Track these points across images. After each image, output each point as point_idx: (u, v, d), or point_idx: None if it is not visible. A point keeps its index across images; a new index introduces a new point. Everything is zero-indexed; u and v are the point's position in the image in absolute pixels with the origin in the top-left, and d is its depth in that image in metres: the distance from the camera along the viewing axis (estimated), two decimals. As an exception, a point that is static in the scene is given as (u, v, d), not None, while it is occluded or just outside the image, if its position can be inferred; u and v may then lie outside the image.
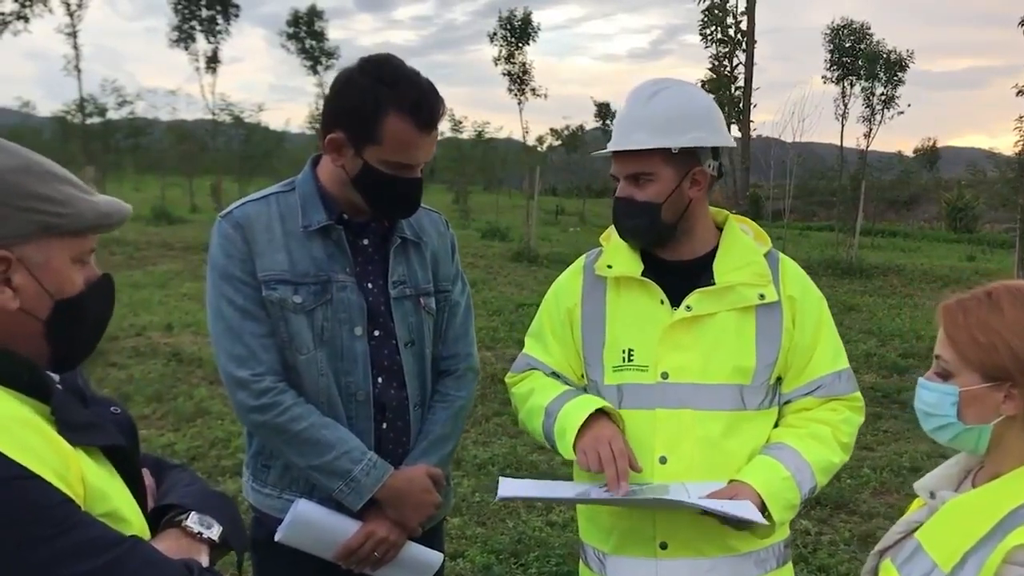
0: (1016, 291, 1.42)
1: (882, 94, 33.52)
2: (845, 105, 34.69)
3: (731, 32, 12.23)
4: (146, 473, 1.38)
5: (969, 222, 38.57)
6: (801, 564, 4.32)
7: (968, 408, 1.42)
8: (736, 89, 11.90)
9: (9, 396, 1.11)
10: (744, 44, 11.77)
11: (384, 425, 2.06)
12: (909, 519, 1.55)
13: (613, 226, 2.12)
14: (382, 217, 2.07)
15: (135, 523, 1.18)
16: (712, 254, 2.07)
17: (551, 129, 64.69)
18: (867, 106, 33.78)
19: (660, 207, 1.99)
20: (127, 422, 1.33)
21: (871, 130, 33.41)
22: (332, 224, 2.00)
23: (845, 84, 34.45)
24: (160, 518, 1.30)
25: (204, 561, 1.24)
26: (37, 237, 1.14)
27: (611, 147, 2.01)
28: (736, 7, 11.97)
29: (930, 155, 63.17)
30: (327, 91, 2.01)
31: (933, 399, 1.45)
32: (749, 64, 11.71)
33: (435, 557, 2.14)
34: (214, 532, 1.28)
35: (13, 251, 1.13)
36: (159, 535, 1.25)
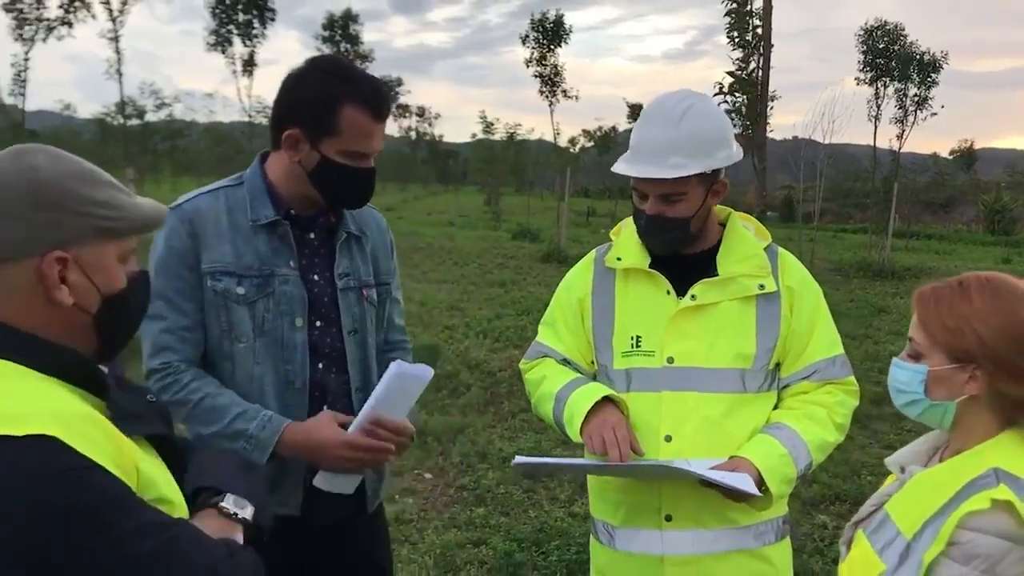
0: (986, 281, 1.54)
1: (915, 95, 33.19)
2: (878, 106, 34.40)
3: (748, 37, 12.25)
4: None
5: (1007, 224, 38.01)
6: (817, 556, 4.41)
7: (935, 386, 1.54)
8: (752, 92, 11.93)
9: (70, 393, 1.20)
10: (761, 48, 11.77)
11: (324, 408, 2.10)
12: (881, 492, 1.68)
13: (628, 226, 2.24)
14: (337, 208, 2.15)
15: (179, 506, 1.28)
16: (716, 248, 2.19)
17: (583, 130, 64.80)
18: (900, 107, 33.48)
19: (690, 220, 2.10)
20: (162, 409, 1.44)
21: (904, 131, 33.08)
22: (279, 220, 2.07)
23: (878, 85, 34.15)
24: (194, 498, 1.38)
25: (239, 540, 1.31)
26: (92, 239, 1.24)
27: (647, 173, 2.05)
28: (761, 10, 12.03)
29: (967, 156, 62.26)
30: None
31: (904, 377, 1.58)
32: (766, 67, 11.73)
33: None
34: (247, 512, 1.35)
35: (71, 252, 1.22)
36: (198, 516, 1.32)
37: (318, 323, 2.12)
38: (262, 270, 2.05)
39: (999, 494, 1.39)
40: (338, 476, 2.07)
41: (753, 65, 12.36)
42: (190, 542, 1.17)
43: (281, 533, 2.04)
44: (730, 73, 12.13)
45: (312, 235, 2.15)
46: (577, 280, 2.32)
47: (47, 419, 1.09)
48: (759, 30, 11.89)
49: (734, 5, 12.17)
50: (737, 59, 12.49)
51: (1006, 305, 1.50)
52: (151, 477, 1.21)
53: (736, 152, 2.13)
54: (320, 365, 2.11)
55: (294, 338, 2.07)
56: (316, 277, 2.13)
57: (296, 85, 2.04)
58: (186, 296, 2.03)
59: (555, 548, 4.31)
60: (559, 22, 43.49)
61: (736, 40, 12.34)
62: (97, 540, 1.07)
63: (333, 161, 2.01)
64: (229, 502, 1.35)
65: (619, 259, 2.22)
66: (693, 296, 2.12)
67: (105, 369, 1.31)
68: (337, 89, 1.98)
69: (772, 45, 11.81)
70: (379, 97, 2.03)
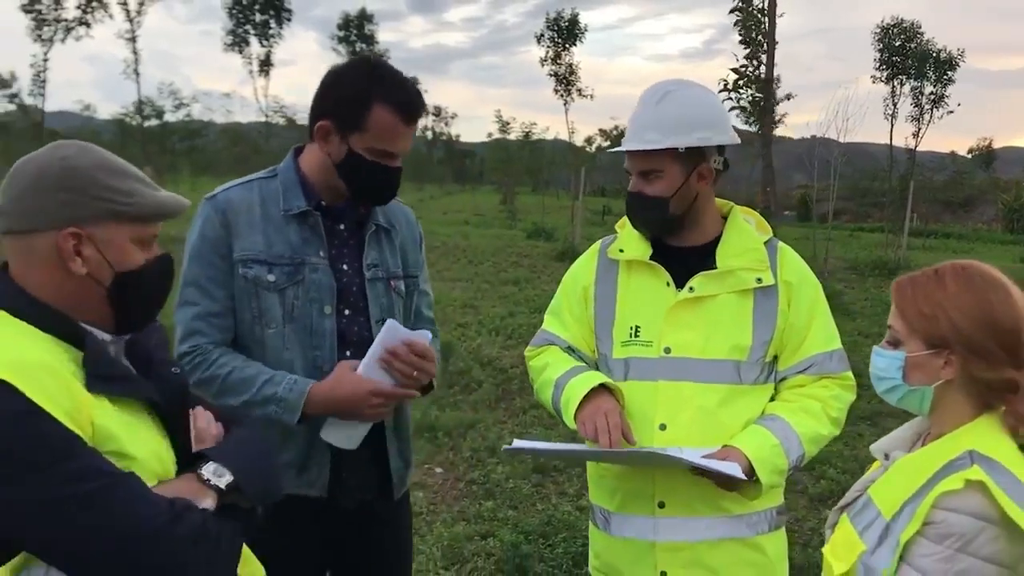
0: (960, 269, 1.58)
1: (931, 93, 32.91)
2: (895, 104, 34.15)
3: (753, 34, 12.25)
4: (214, 424, 1.58)
5: (1028, 223, 37.75)
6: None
7: (913, 372, 1.59)
8: (757, 88, 11.89)
9: (58, 349, 1.34)
10: (765, 46, 11.79)
11: None
12: (866, 478, 1.72)
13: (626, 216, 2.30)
14: (360, 202, 2.22)
15: (146, 464, 1.37)
16: (716, 241, 2.24)
17: (600, 129, 64.74)
18: (915, 105, 33.21)
19: (668, 200, 2.15)
20: (181, 381, 1.57)
21: (919, 130, 32.82)
22: (310, 210, 2.15)
23: (894, 83, 33.90)
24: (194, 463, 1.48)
25: (205, 504, 1.37)
26: (106, 220, 1.40)
27: (624, 146, 2.19)
28: (767, 9, 11.96)
29: (985, 155, 61.78)
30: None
31: (883, 364, 1.62)
32: (770, 65, 11.75)
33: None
34: (223, 481, 1.42)
35: (85, 229, 1.39)
36: (179, 478, 1.42)
37: (346, 311, 2.18)
38: (293, 259, 2.12)
39: (972, 475, 1.43)
40: (342, 429, 2.11)
41: (757, 63, 12.33)
42: (128, 492, 1.27)
43: (309, 514, 2.14)
44: (734, 70, 12.16)
45: (342, 226, 2.22)
46: (582, 270, 2.37)
47: (4, 367, 1.23)
48: (765, 27, 11.92)
49: (740, 3, 12.21)
50: (743, 56, 12.50)
51: (979, 291, 1.54)
52: (110, 432, 1.32)
53: (718, 137, 2.16)
54: (348, 352, 2.16)
55: (323, 325, 2.14)
56: (345, 267, 2.20)
57: (333, 80, 2.12)
58: (218, 283, 2.11)
59: (562, 540, 4.35)
60: (574, 21, 43.44)
61: (744, 38, 12.34)
62: (34, 478, 1.20)
63: (360, 156, 2.09)
64: (208, 469, 1.43)
65: (621, 251, 2.27)
66: (691, 288, 2.16)
67: (107, 337, 1.45)
68: (370, 87, 2.06)
69: (776, 42, 11.81)
70: (410, 100, 2.10)
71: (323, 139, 2.11)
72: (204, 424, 1.56)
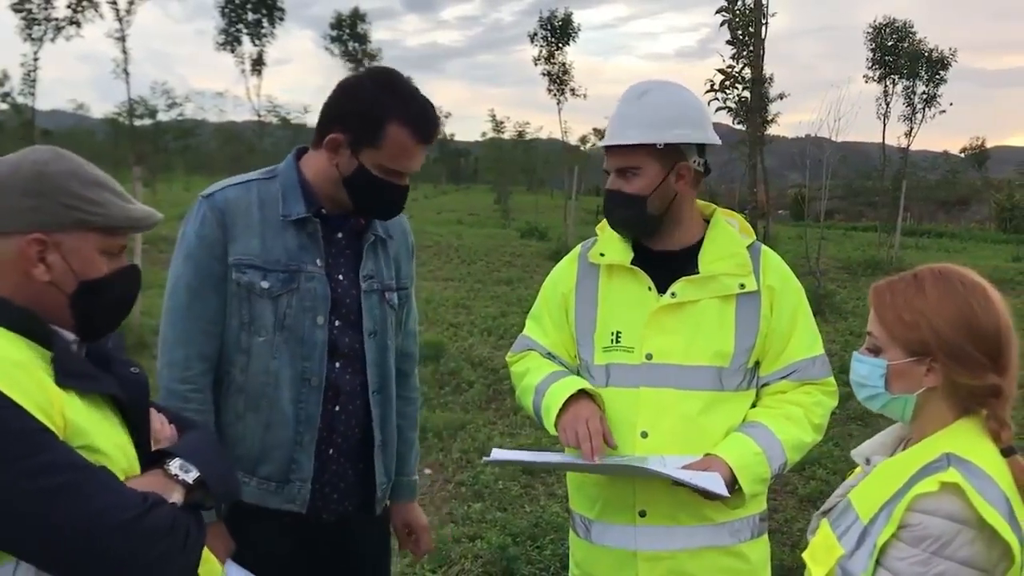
0: (940, 274, 1.56)
1: (923, 93, 32.95)
2: (887, 104, 34.20)
3: (740, 35, 12.25)
4: (168, 426, 1.60)
5: (1019, 222, 37.87)
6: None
7: (895, 380, 1.57)
8: (744, 88, 11.92)
9: (25, 347, 1.35)
10: (753, 46, 11.80)
11: (336, 408, 2.14)
12: (847, 484, 1.70)
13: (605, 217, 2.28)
14: (364, 216, 2.18)
15: (114, 459, 1.38)
16: (698, 245, 2.21)
17: (594, 129, 64.71)
18: (908, 104, 33.24)
19: (646, 199, 2.13)
20: (141, 380, 1.57)
21: (911, 129, 32.83)
22: (310, 217, 2.09)
23: (887, 83, 33.95)
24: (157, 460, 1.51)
25: (174, 499, 1.41)
26: (73, 229, 1.41)
27: (604, 142, 2.19)
28: (755, 9, 11.96)
29: (978, 155, 61.94)
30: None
31: (865, 371, 1.60)
32: (758, 65, 11.73)
33: None
34: (190, 476, 1.45)
35: (51, 236, 1.39)
36: (146, 473, 1.45)
37: (337, 322, 2.13)
38: (288, 265, 2.06)
39: (948, 477, 1.42)
40: None
41: (744, 63, 12.31)
42: (100, 484, 1.29)
43: (287, 528, 2.11)
44: (720, 70, 12.15)
45: (340, 235, 2.17)
46: (562, 275, 2.34)
47: None
48: (752, 28, 11.88)
49: (726, 3, 12.23)
50: (729, 57, 12.51)
51: (959, 297, 1.52)
52: (81, 427, 1.33)
53: (697, 135, 2.14)
54: (337, 364, 2.13)
55: (315, 335, 2.08)
56: (340, 277, 2.14)
57: (350, 92, 2.07)
58: (210, 287, 2.05)
59: (549, 542, 4.34)
60: (567, 20, 43.34)
61: (732, 39, 12.32)
62: (4, 470, 1.21)
63: (369, 172, 2.04)
64: (174, 465, 1.46)
65: (602, 255, 2.25)
66: (673, 293, 2.14)
67: (70, 336, 1.45)
68: (388, 104, 2.01)
69: (763, 40, 11.80)
70: (427, 120, 2.06)
71: (332, 150, 2.05)
72: (159, 425, 1.58)
